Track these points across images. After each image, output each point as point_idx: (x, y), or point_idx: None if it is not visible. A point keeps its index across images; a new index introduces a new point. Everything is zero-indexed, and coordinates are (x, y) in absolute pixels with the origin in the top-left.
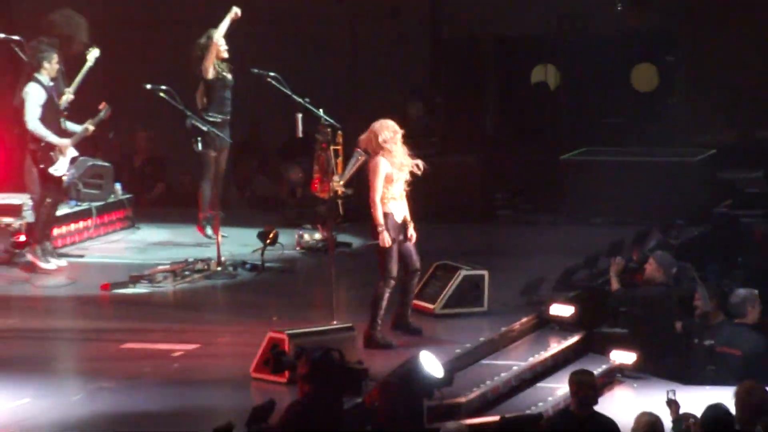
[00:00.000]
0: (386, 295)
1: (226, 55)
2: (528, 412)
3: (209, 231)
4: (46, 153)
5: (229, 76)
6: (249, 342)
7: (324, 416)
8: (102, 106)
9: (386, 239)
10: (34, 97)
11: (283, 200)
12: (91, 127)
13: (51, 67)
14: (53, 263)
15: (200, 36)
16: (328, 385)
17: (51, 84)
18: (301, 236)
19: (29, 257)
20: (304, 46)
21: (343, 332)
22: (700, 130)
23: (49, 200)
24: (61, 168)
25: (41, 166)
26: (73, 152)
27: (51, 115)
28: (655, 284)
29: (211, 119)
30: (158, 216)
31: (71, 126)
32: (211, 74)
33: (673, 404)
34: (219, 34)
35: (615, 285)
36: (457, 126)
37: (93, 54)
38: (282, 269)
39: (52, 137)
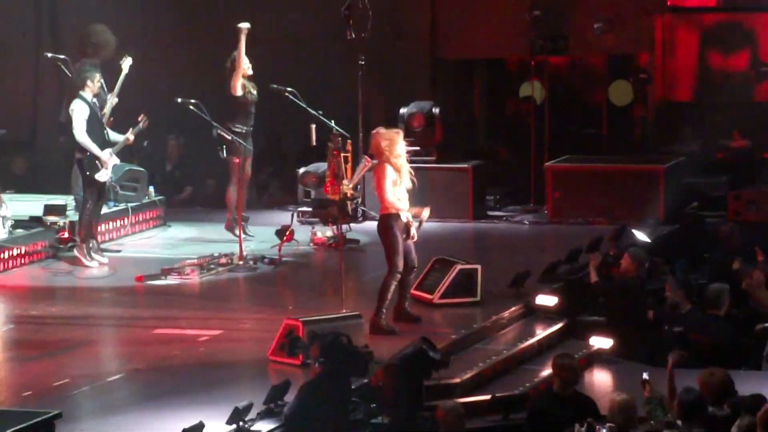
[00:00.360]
0: (392, 287)
1: (250, 72)
2: (516, 391)
3: (236, 230)
4: (93, 161)
5: (254, 93)
6: (267, 328)
7: (333, 394)
8: (141, 117)
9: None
10: (79, 113)
11: (297, 201)
12: (131, 137)
13: (94, 85)
14: (95, 260)
15: (227, 53)
16: (337, 366)
17: (94, 100)
18: (314, 233)
19: (75, 253)
20: (318, 65)
21: (351, 319)
22: (670, 140)
23: (90, 203)
24: (104, 175)
25: (87, 173)
26: (114, 160)
27: (95, 128)
28: (630, 277)
29: (237, 130)
30: (187, 215)
31: (114, 136)
32: (238, 91)
33: (646, 384)
34: (241, 54)
35: (594, 278)
36: (452, 136)
37: (127, 62)
38: (297, 263)
39: (95, 149)
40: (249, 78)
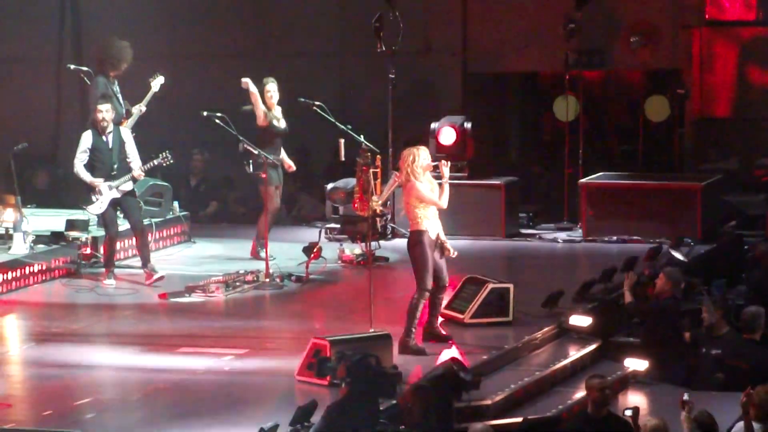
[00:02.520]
0: (421, 306)
1: (274, 101)
2: (548, 414)
3: (262, 254)
4: (87, 193)
5: (281, 125)
6: (294, 347)
7: (361, 415)
8: (164, 154)
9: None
10: (82, 142)
11: (326, 218)
12: (141, 174)
13: (104, 114)
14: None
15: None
16: (365, 387)
17: (109, 131)
18: (342, 251)
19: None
20: (347, 79)
21: (380, 339)
22: (707, 157)
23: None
24: (95, 208)
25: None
26: (114, 194)
27: (101, 158)
28: (665, 298)
29: (270, 160)
30: (212, 231)
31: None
32: (262, 121)
33: (686, 404)
34: (257, 106)
35: (628, 298)
36: (484, 152)
37: (158, 81)
38: (324, 281)
39: (87, 179)
40: (272, 108)
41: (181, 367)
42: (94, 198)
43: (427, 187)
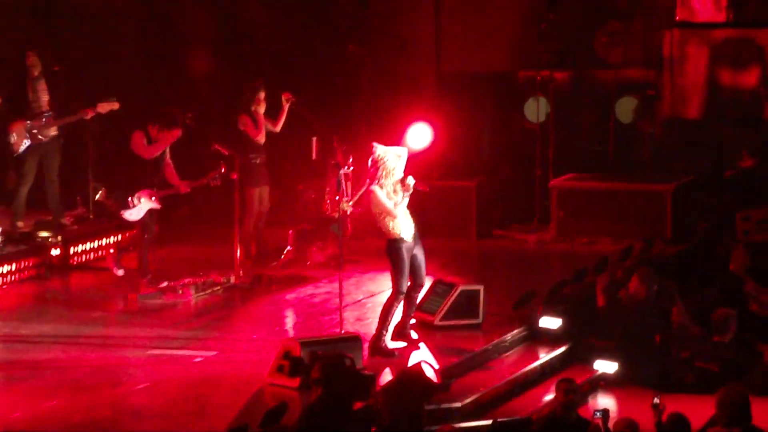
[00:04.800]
0: (395, 309)
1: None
2: (518, 416)
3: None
4: (123, 197)
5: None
6: (263, 349)
7: (335, 417)
8: (217, 173)
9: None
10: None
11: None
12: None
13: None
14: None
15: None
16: (339, 388)
17: None
18: (313, 252)
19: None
20: (321, 78)
21: (349, 341)
22: (678, 158)
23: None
24: (131, 214)
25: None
26: (150, 204)
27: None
28: (638, 299)
29: (253, 162)
30: (182, 233)
31: None
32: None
33: (657, 407)
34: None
35: (601, 301)
36: (456, 152)
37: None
38: (294, 282)
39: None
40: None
41: (150, 369)
42: (132, 204)
43: (384, 195)
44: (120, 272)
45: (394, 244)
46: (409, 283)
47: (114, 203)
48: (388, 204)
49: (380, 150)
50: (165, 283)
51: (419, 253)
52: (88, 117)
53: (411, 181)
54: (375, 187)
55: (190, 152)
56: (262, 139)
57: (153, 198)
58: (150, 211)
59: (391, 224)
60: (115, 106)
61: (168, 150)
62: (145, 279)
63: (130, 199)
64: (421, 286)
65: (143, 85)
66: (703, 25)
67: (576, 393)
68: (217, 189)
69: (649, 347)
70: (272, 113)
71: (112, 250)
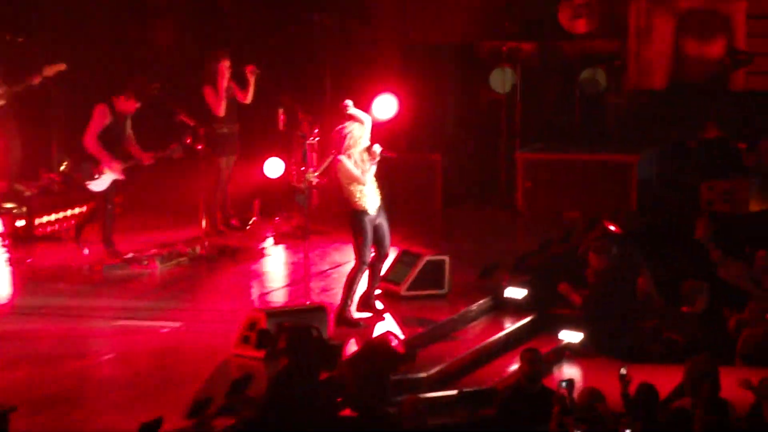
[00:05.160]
0: (359, 279)
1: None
2: (483, 387)
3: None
4: (89, 169)
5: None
6: (229, 320)
7: (301, 387)
8: (174, 146)
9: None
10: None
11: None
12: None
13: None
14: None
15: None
16: (306, 359)
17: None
18: (278, 222)
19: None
20: (286, 49)
21: (315, 311)
22: (644, 128)
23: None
24: (96, 185)
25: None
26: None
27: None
28: (603, 271)
29: (223, 131)
30: (149, 203)
31: None
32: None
33: (624, 377)
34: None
35: (576, 299)
36: (421, 124)
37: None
38: (260, 253)
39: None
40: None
41: (117, 340)
42: (97, 175)
43: (352, 164)
44: (85, 251)
45: (357, 215)
46: (373, 254)
47: (79, 174)
48: (356, 172)
49: (348, 125)
50: (130, 254)
51: (383, 224)
52: (37, 82)
53: (377, 148)
54: (342, 157)
55: (156, 123)
56: (221, 111)
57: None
58: (113, 182)
59: (357, 194)
60: (62, 67)
61: (129, 122)
62: (110, 249)
63: (94, 169)
64: (386, 256)
65: (109, 56)
66: None
67: (540, 363)
68: (185, 158)
69: (614, 317)
70: (240, 85)
71: (72, 230)
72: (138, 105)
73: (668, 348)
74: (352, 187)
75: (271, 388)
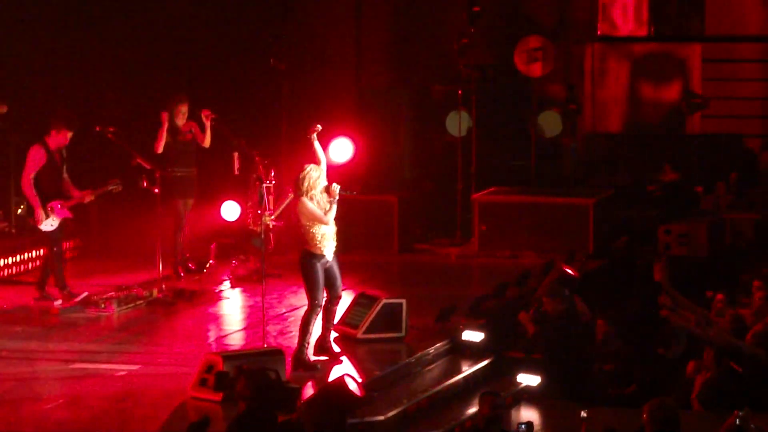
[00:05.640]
0: (313, 321)
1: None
2: (441, 430)
3: (182, 269)
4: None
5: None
6: (186, 363)
7: (260, 430)
8: (114, 182)
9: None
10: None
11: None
12: (91, 197)
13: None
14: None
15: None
16: (265, 402)
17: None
18: (235, 266)
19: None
20: (242, 92)
21: (272, 354)
22: (600, 172)
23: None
24: (48, 224)
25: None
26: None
27: (51, 175)
28: (557, 314)
29: (179, 174)
30: (106, 247)
31: None
32: (161, 149)
33: (585, 421)
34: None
35: (531, 328)
36: (378, 166)
37: None
38: (217, 296)
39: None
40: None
41: (73, 384)
42: (43, 214)
43: (315, 206)
44: (57, 302)
45: (309, 258)
46: (325, 297)
47: (33, 216)
48: (318, 213)
49: (306, 167)
50: (84, 294)
51: (334, 267)
52: None
53: (336, 187)
54: (304, 198)
55: (114, 165)
56: (159, 148)
57: (62, 208)
58: (62, 222)
59: (318, 237)
60: (3, 110)
61: (64, 162)
62: (64, 292)
63: (43, 210)
64: (338, 298)
65: (58, 99)
66: (624, 38)
67: (502, 407)
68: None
69: (571, 360)
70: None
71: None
72: (71, 133)
73: (624, 391)
74: (313, 230)
75: (230, 431)
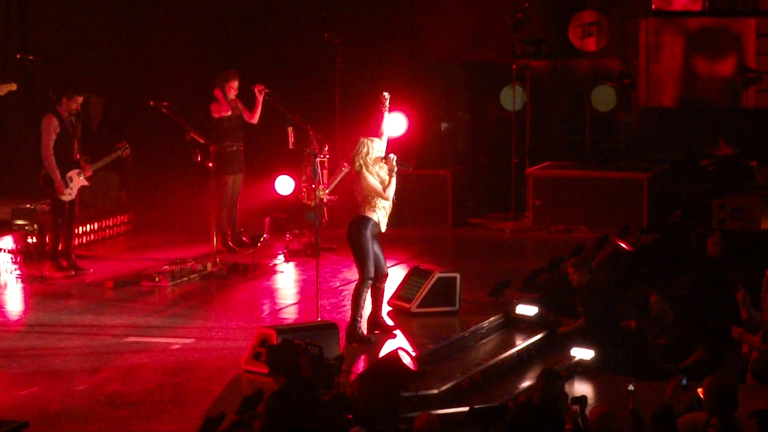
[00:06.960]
0: (365, 294)
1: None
2: (495, 404)
3: (235, 242)
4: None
5: (239, 109)
6: (240, 337)
7: (299, 405)
8: (121, 145)
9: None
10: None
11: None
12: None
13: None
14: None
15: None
16: (301, 376)
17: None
18: (289, 240)
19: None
20: (296, 67)
21: (326, 328)
22: (654, 146)
23: (59, 221)
24: (67, 195)
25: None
26: (82, 181)
27: (65, 145)
28: (584, 284)
29: (230, 149)
30: (160, 221)
31: None
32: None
33: (631, 394)
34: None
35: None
36: (432, 141)
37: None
38: (272, 270)
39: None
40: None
41: (128, 357)
42: (64, 184)
43: (376, 179)
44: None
45: (361, 225)
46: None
47: (49, 188)
48: (378, 187)
49: (367, 141)
50: (72, 272)
51: (377, 245)
52: None
53: (393, 157)
54: (364, 171)
55: (167, 141)
56: (255, 119)
57: (81, 175)
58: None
59: (379, 206)
60: (13, 87)
61: (76, 131)
62: (53, 262)
63: (63, 180)
64: (385, 276)
65: (117, 75)
66: (678, 13)
67: (560, 381)
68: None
69: (623, 334)
70: (248, 105)
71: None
72: (81, 98)
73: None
74: (373, 201)
75: (267, 405)
